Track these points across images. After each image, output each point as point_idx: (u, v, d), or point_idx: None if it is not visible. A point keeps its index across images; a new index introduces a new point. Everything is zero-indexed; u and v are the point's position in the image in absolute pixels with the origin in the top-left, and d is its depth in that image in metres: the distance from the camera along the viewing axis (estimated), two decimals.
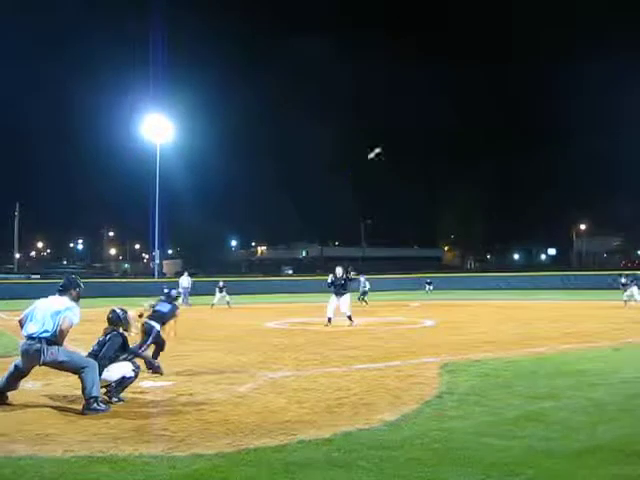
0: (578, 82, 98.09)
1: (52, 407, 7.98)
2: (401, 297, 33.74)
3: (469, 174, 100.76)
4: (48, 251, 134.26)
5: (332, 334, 17.21)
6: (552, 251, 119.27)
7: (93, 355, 8.44)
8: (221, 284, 33.47)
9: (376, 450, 5.88)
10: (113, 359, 8.44)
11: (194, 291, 35.49)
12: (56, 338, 7.95)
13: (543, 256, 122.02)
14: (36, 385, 9.52)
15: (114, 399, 8.27)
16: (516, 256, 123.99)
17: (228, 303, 31.96)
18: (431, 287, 47.47)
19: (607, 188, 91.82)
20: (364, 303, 32.62)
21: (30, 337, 7.97)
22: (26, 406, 8.05)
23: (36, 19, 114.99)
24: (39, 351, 7.91)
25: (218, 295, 32.82)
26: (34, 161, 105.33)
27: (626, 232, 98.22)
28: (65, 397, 8.59)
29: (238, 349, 13.87)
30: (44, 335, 7.93)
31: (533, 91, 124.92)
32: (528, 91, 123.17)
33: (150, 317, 11.89)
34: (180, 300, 27.58)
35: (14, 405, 8.06)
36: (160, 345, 11.68)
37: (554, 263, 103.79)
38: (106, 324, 8.86)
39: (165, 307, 12.19)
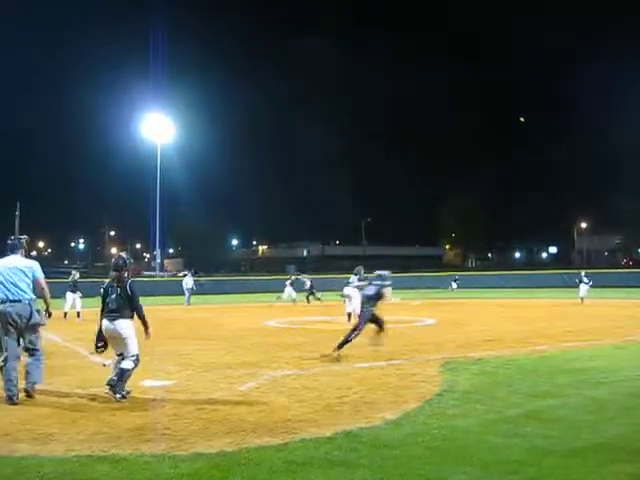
0: (579, 81, 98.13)
1: (53, 407, 7.99)
2: (403, 295, 33.67)
3: (470, 172, 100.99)
4: (49, 251, 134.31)
5: (333, 333, 17.19)
6: (553, 249, 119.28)
7: (115, 307, 8.57)
8: (294, 278, 34.27)
9: (377, 449, 5.88)
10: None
11: (202, 290, 35.51)
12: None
13: (544, 254, 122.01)
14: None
15: (118, 395, 8.27)
16: (517, 254, 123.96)
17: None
18: (456, 285, 46.97)
19: (608, 186, 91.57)
20: (317, 301, 32.85)
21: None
22: (27, 405, 8.06)
23: (35, 17, 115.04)
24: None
25: (288, 290, 33.29)
26: (35, 160, 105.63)
27: (627, 230, 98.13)
28: (67, 396, 8.60)
29: (239, 348, 13.87)
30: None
31: (534, 89, 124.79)
32: (529, 90, 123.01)
33: (363, 303, 12.87)
34: (185, 300, 27.50)
35: (16, 405, 8.06)
36: (379, 323, 12.73)
37: (555, 261, 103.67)
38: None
39: (371, 290, 12.83)
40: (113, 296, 8.65)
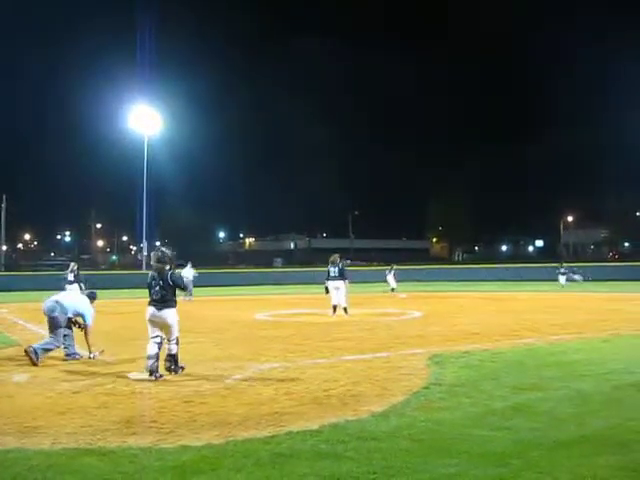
0: (565, 77, 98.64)
1: (40, 399, 7.97)
2: (393, 288, 33.83)
3: (457, 166, 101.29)
4: (35, 243, 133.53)
5: (320, 325, 17.24)
6: (540, 243, 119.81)
7: (160, 297, 9.58)
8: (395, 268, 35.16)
9: (364, 441, 5.90)
10: None
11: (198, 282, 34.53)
12: None
13: (531, 248, 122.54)
14: (23, 377, 9.52)
15: (180, 371, 9.64)
16: (504, 248, 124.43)
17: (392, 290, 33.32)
18: (579, 277, 42.50)
19: (594, 180, 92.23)
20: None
21: None
22: (14, 398, 8.04)
23: (19, 10, 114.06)
24: None
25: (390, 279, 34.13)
26: (20, 152, 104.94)
27: (613, 224, 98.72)
28: (53, 389, 8.58)
29: (226, 341, 13.87)
30: None
31: (519, 85, 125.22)
32: (514, 85, 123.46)
33: None
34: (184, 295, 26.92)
35: (1, 397, 8.04)
36: None
37: (542, 254, 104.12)
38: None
39: None
40: (157, 287, 9.60)
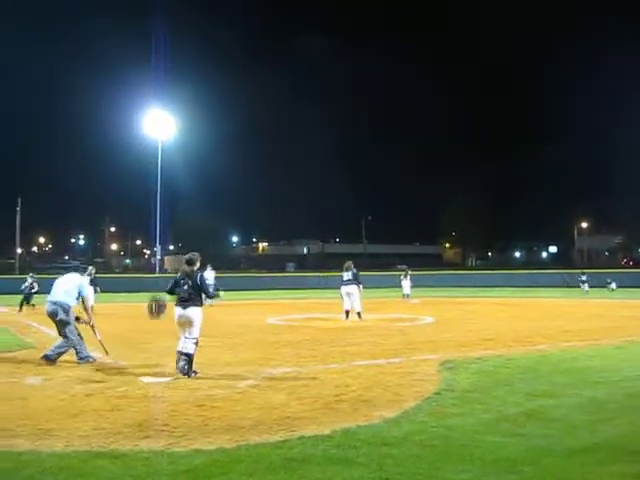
0: (581, 81, 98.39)
1: (53, 402, 8.00)
2: (405, 294, 33.79)
3: (471, 171, 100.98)
4: (49, 246, 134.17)
5: (333, 330, 17.23)
6: (553, 249, 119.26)
7: (189, 294, 10.06)
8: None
9: (376, 447, 5.89)
10: None
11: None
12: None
13: (544, 254, 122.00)
14: (37, 380, 9.56)
15: (192, 375, 9.70)
16: (517, 254, 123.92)
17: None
18: (613, 285, 41.56)
19: (609, 186, 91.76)
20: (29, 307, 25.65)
21: None
22: (27, 401, 8.08)
23: (36, 13, 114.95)
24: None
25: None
26: (36, 156, 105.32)
27: (628, 230, 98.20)
28: (66, 392, 8.61)
29: (238, 345, 13.89)
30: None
31: (535, 90, 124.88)
32: (529, 89, 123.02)
33: None
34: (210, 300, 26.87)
35: (15, 400, 8.09)
36: None
37: (555, 261, 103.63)
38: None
39: None
40: (185, 287, 10.10)
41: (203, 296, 10.41)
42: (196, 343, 9.93)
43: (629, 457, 5.62)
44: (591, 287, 38.84)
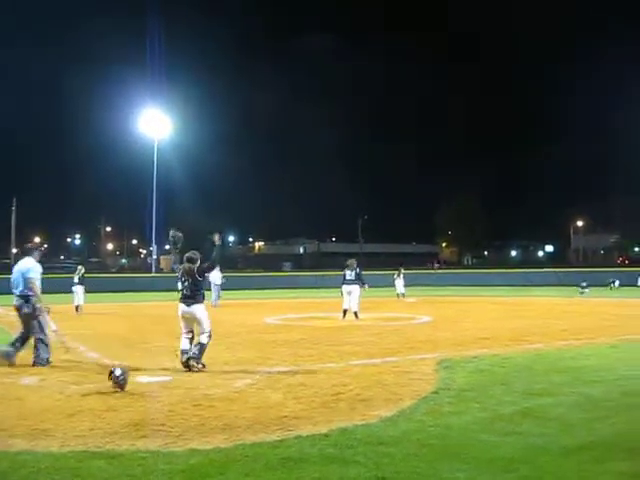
0: (577, 82, 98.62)
1: (49, 402, 7.99)
2: (400, 294, 33.77)
3: (468, 171, 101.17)
4: (45, 246, 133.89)
5: (330, 330, 17.23)
6: (549, 248, 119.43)
7: (191, 291, 10.46)
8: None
9: (373, 446, 5.89)
10: None
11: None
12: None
13: (540, 253, 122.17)
14: (33, 380, 9.55)
15: (200, 365, 10.12)
16: (513, 253, 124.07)
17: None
18: (616, 284, 42.41)
19: (605, 185, 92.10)
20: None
21: None
22: (23, 401, 8.07)
23: (31, 12, 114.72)
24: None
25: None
26: (31, 155, 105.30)
27: (623, 229, 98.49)
28: (62, 392, 8.59)
29: (235, 344, 13.86)
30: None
31: (532, 90, 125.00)
32: (527, 90, 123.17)
33: None
34: (212, 300, 26.66)
35: (11, 400, 8.08)
36: None
37: (551, 260, 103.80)
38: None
39: None
40: (186, 283, 10.52)
41: (213, 294, 10.79)
42: (210, 336, 10.45)
43: (625, 455, 5.63)
44: (590, 286, 38.47)
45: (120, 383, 8.53)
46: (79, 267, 25.49)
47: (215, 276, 28.52)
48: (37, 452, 5.78)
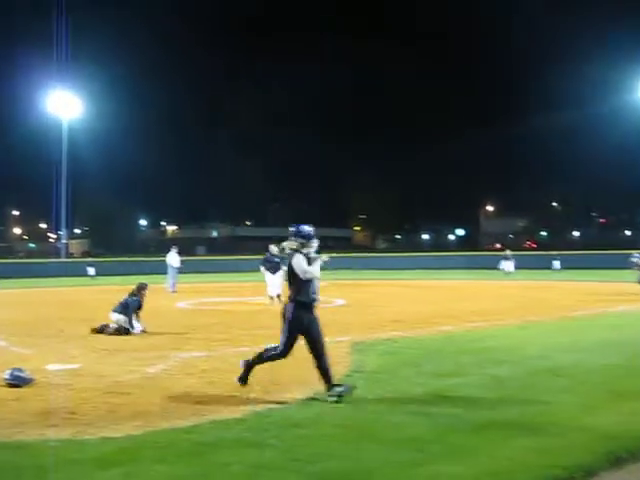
0: (490, 71, 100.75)
1: None
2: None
3: (379, 155, 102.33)
4: None
5: (243, 314, 17.20)
6: (460, 232, 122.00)
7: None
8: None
9: (287, 428, 5.94)
10: None
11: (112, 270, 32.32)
12: None
13: (452, 237, 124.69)
14: None
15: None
16: (425, 236, 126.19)
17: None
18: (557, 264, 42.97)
19: (512, 171, 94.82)
20: None
21: None
22: None
23: None
24: None
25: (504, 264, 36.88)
26: None
27: (530, 214, 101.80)
28: None
29: (148, 330, 13.67)
30: None
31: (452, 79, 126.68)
32: (444, 75, 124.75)
33: None
34: (169, 284, 25.52)
35: None
36: None
37: (463, 243, 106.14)
38: None
39: None
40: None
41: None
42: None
43: (531, 432, 5.84)
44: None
45: (15, 383, 7.98)
46: None
47: (171, 258, 27.43)
48: None
